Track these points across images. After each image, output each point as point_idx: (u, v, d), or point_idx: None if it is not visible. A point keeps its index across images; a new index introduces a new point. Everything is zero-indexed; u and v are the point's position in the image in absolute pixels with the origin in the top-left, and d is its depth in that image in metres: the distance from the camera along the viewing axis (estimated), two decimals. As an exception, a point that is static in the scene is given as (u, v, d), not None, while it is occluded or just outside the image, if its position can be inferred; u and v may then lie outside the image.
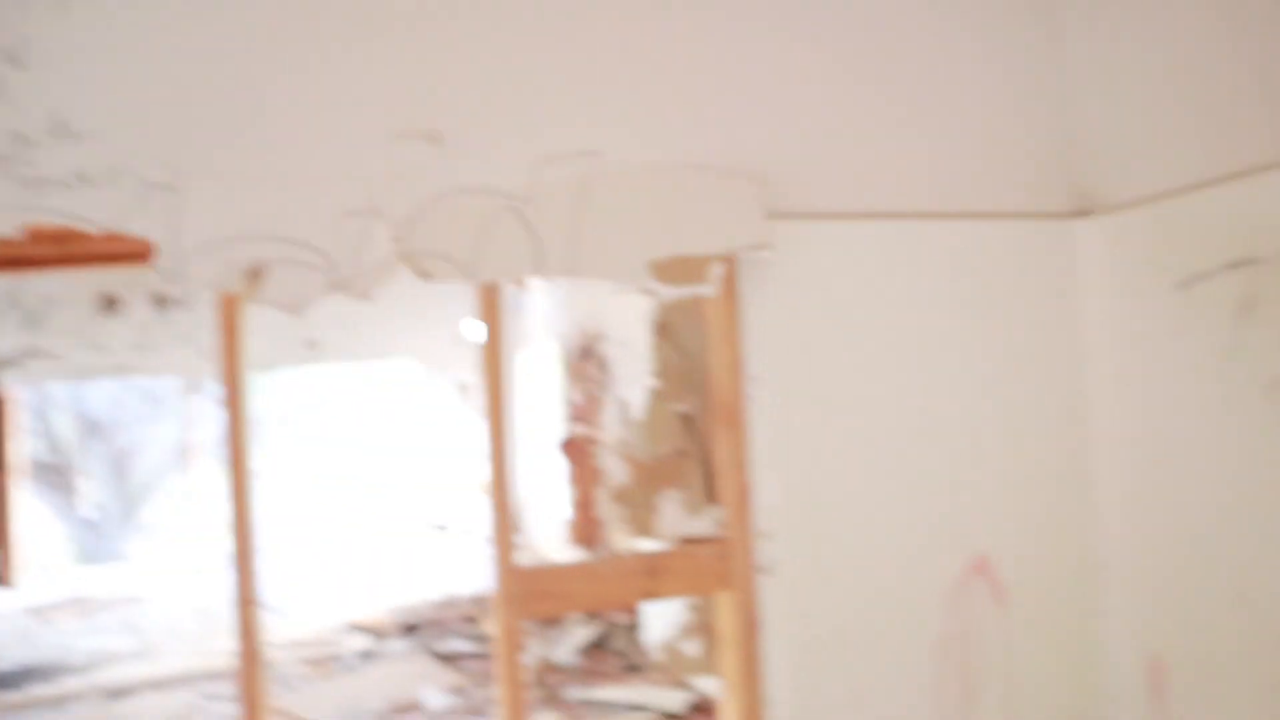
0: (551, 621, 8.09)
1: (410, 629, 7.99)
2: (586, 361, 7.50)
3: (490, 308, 2.22)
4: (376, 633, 8.02)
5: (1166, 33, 2.43)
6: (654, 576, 2.32)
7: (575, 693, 6.40)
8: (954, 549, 2.50)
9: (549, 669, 6.90)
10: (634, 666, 6.90)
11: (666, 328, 2.39)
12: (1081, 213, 2.68)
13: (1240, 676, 2.33)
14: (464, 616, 8.17)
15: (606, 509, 2.39)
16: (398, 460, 12.97)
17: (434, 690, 6.66)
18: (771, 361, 2.35)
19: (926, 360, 2.49)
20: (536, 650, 7.07)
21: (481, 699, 6.60)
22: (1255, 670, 2.28)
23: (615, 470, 2.37)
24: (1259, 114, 2.18)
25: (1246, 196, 2.22)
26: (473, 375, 11.84)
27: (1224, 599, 2.34)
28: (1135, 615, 2.61)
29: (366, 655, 7.48)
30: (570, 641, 7.44)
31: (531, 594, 2.23)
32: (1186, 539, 2.44)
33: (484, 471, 2.26)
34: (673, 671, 2.43)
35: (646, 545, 2.38)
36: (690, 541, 2.36)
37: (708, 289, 2.25)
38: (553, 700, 6.40)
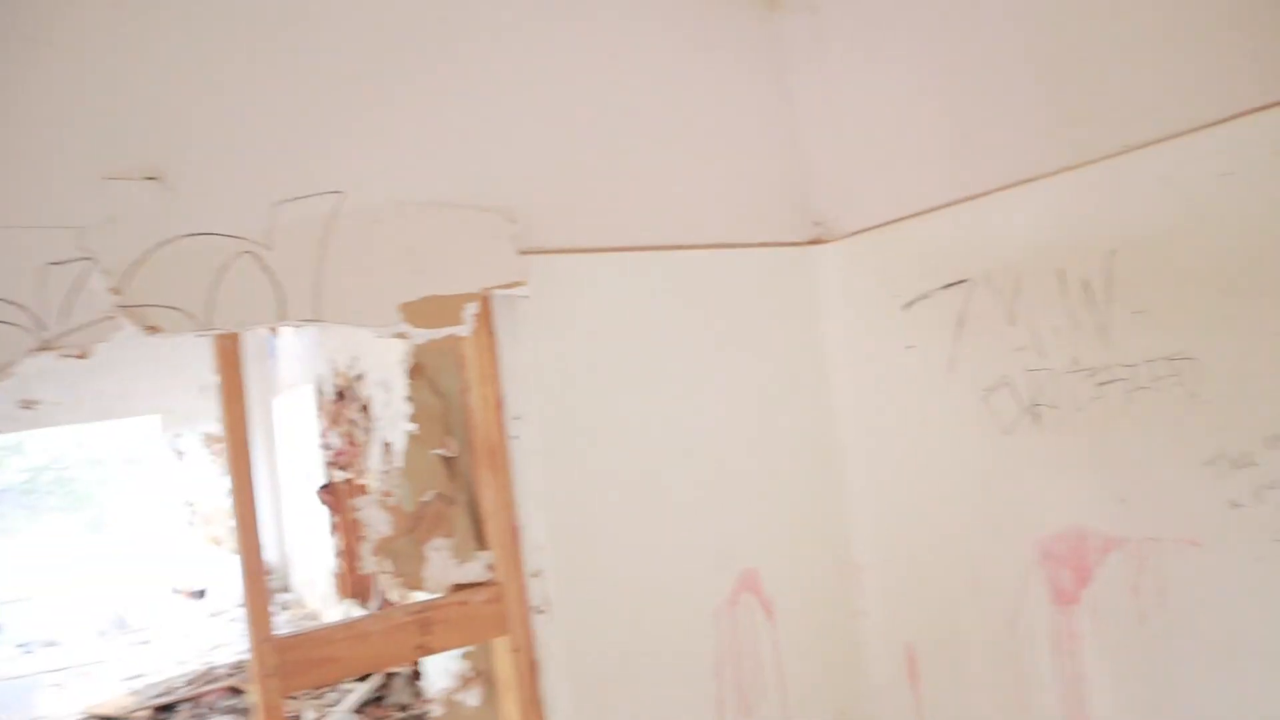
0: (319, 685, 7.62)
1: (164, 710, 7.26)
2: (344, 404, 7.17)
3: (228, 359, 2.05)
4: (123, 720, 7.22)
5: (880, 78, 2.66)
6: (427, 630, 2.22)
7: (357, 755, 6.05)
8: (723, 568, 2.58)
9: (326, 733, 6.49)
10: (418, 719, 6.62)
11: (422, 369, 2.31)
12: (817, 241, 2.88)
13: (976, 654, 2.55)
14: (227, 689, 7.53)
15: (371, 562, 2.26)
16: (143, 524, 11.79)
17: (197, 775, 6.07)
18: (533, 398, 2.33)
19: (685, 386, 2.57)
20: (309, 715, 6.64)
21: (252, 777, 6.09)
22: (989, 647, 2.51)
23: (377, 520, 2.25)
24: (961, 150, 2.43)
25: (956, 224, 2.46)
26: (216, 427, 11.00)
27: (963, 587, 2.57)
28: (890, 611, 2.81)
29: (114, 748, 6.70)
30: (346, 701, 7.04)
31: (295, 664, 2.07)
32: (928, 536, 2.66)
33: (230, 531, 2.09)
34: (452, 726, 2.32)
35: (417, 597, 2.27)
36: (462, 589, 2.27)
37: (463, 329, 2.20)
38: (332, 766, 6.02)
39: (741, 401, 2.67)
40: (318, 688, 7.53)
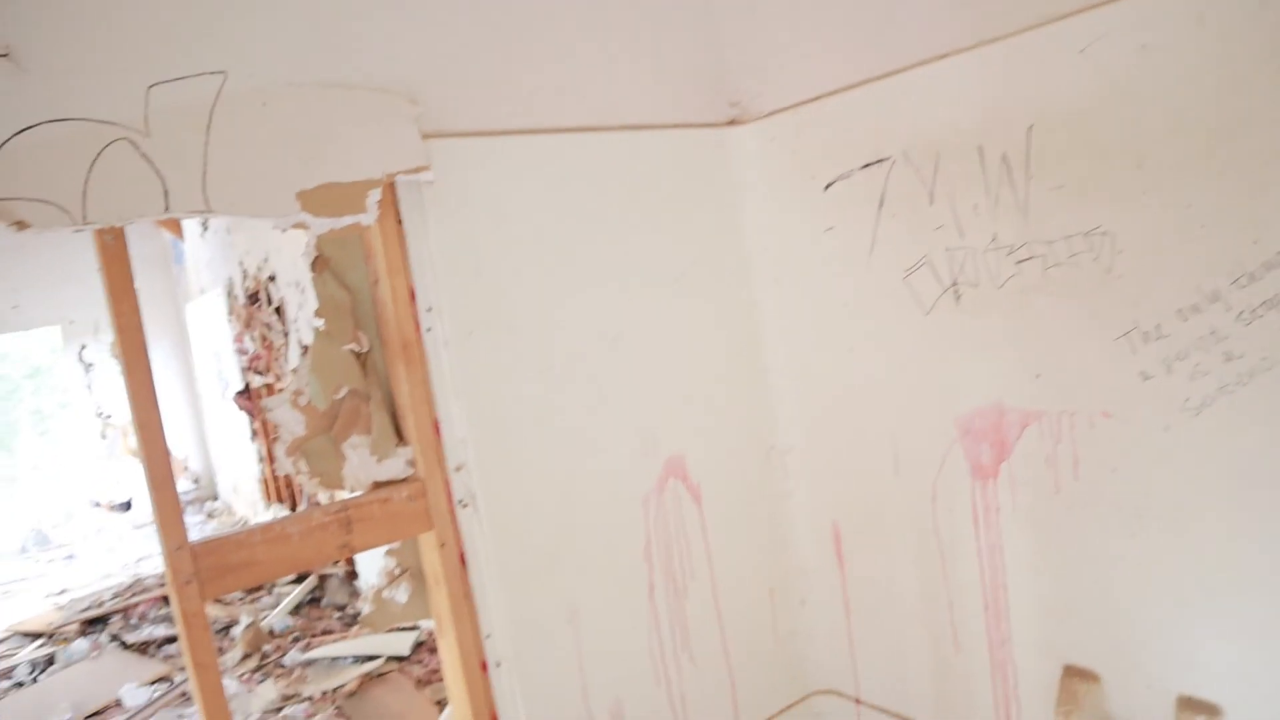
0: (255, 589, 7.60)
1: (92, 624, 7.17)
2: (257, 308, 6.93)
3: (111, 256, 1.91)
4: (50, 635, 7.12)
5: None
6: (348, 529, 2.17)
7: (297, 656, 6.09)
8: (649, 455, 2.57)
9: (264, 638, 6.50)
10: (356, 618, 6.67)
11: (327, 262, 2.19)
12: (734, 122, 2.79)
13: (898, 529, 2.62)
14: (158, 598, 7.45)
15: (286, 464, 2.18)
16: (57, 439, 11.42)
17: (132, 686, 6.04)
18: (445, 289, 2.23)
19: (603, 273, 2.50)
20: (245, 620, 6.62)
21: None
22: (911, 522, 2.58)
23: (289, 421, 2.16)
24: (878, 26, 2.35)
25: (874, 102, 2.40)
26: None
27: (885, 465, 2.61)
28: (815, 491, 2.86)
29: (43, 664, 6.62)
30: (283, 605, 7.04)
31: (212, 570, 2.01)
32: (850, 417, 2.68)
33: (131, 439, 1.99)
34: (378, 623, 2.30)
35: (339, 497, 2.21)
36: (383, 486, 2.22)
37: (366, 217, 2.08)
38: (275, 669, 6.05)
39: (661, 287, 2.61)
40: (248, 592, 7.51)
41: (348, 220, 2.07)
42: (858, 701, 2.90)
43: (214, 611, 6.99)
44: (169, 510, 1.99)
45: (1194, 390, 1.94)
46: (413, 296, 2.24)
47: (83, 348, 10.31)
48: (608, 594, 2.50)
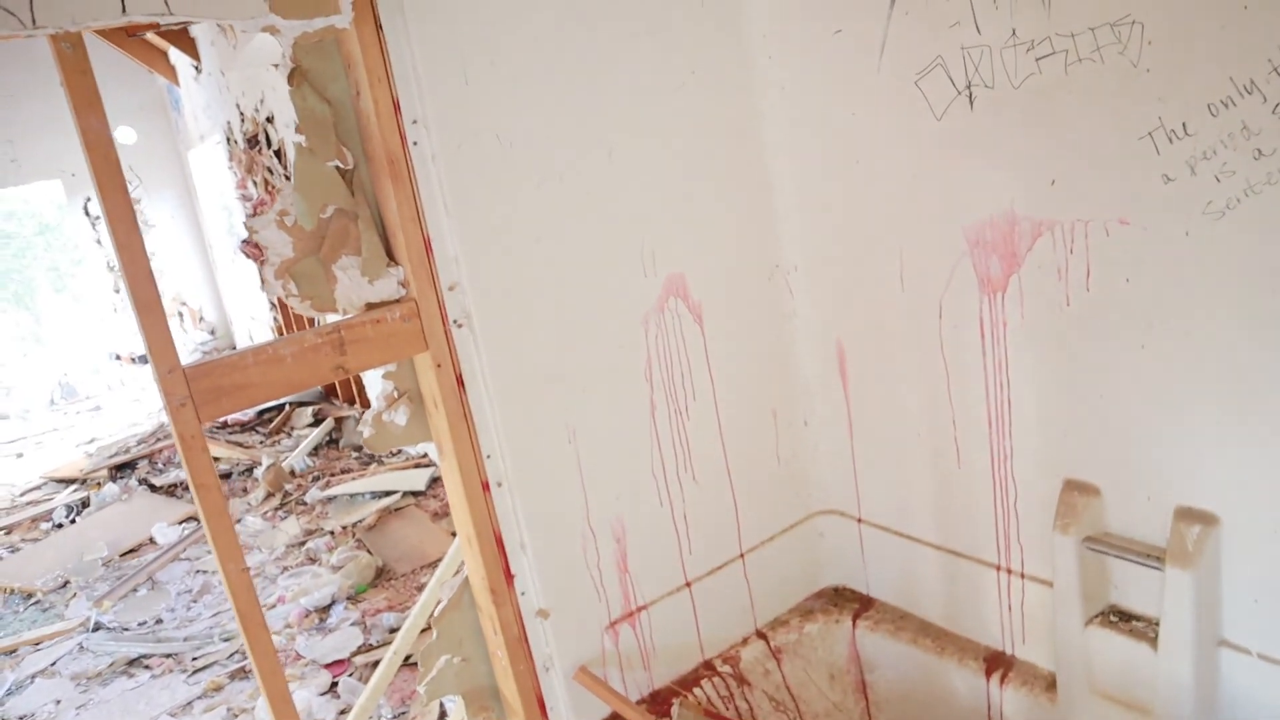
0: (276, 431, 7.77)
1: (121, 469, 7.39)
2: (257, 151, 6.77)
3: (73, 68, 1.80)
4: (81, 482, 7.35)
5: None
6: (342, 350, 2.15)
7: (317, 494, 6.27)
8: (648, 274, 2.50)
9: (285, 477, 6.68)
10: (373, 457, 6.83)
11: (305, 74, 2.08)
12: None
13: (903, 347, 2.57)
14: (181, 444, 7.63)
15: (276, 287, 2.14)
16: (73, 293, 11.48)
17: (163, 525, 6.27)
18: (431, 99, 2.12)
19: (600, 82, 2.36)
20: (266, 462, 6.80)
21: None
22: (916, 339, 2.53)
23: (276, 242, 2.10)
24: None
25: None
26: (135, 190, 10.46)
27: (891, 281, 2.53)
28: (819, 310, 2.80)
29: (78, 507, 6.86)
30: (302, 446, 7.20)
31: (206, 392, 2.00)
32: (857, 232, 2.59)
33: (121, 280, 1.94)
34: (378, 445, 2.31)
35: (331, 319, 2.17)
36: (375, 307, 2.18)
37: (340, 19, 1.95)
38: (296, 507, 6.25)
39: (661, 96, 2.47)
40: (268, 435, 7.68)
41: (321, 23, 1.94)
42: (859, 521, 2.93)
43: (236, 454, 7.18)
44: (157, 333, 1.96)
45: (1218, 193, 1.84)
46: (397, 108, 2.13)
47: (88, 200, 10.21)
48: (608, 414, 2.49)
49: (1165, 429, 2.06)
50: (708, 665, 2.80)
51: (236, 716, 3.90)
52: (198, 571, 5.48)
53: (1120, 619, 2.26)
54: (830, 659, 2.93)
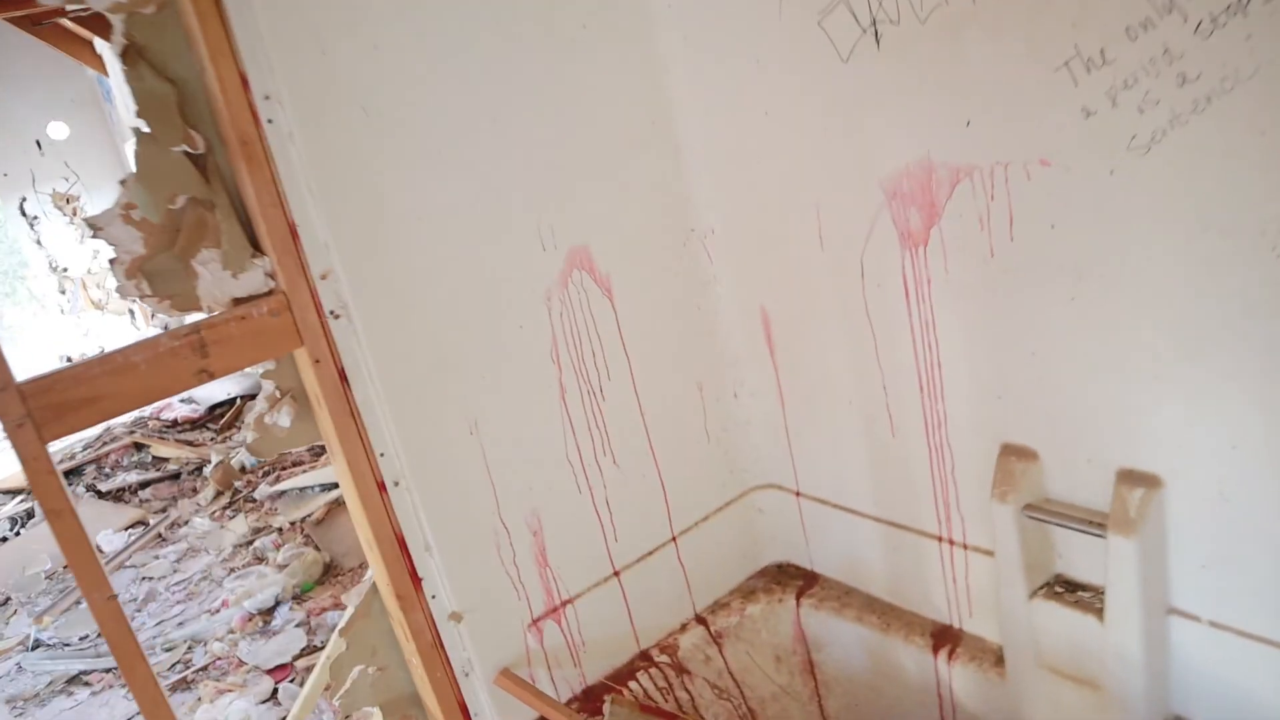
0: (228, 426, 7.56)
1: (67, 476, 7.16)
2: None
3: None
4: (27, 490, 7.12)
5: None
6: (204, 352, 1.96)
7: (266, 490, 6.09)
8: (546, 248, 2.31)
9: (235, 474, 6.49)
10: (324, 448, 6.63)
11: (141, 51, 1.87)
12: None
13: (828, 310, 2.41)
14: (130, 445, 7.42)
15: (128, 288, 1.94)
16: (14, 299, 11.13)
17: (109, 532, 6.08)
18: (284, 71, 1.91)
19: (481, 31, 2.14)
20: (215, 459, 6.60)
21: (168, 526, 6.12)
22: (839, 301, 2.36)
23: (124, 239, 1.90)
24: None
25: None
26: (64, 185, 10.13)
27: (811, 241, 2.36)
28: (741, 275, 2.62)
29: (23, 519, 6.65)
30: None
31: (49, 409, 1.81)
32: (771, 191, 2.41)
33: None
34: (263, 450, 2.13)
35: (192, 318, 1.98)
36: (243, 302, 1.99)
37: (161, -17, 1.75)
38: (246, 504, 6.06)
39: (550, 54, 2.26)
40: (219, 430, 7.47)
41: (142, -11, 1.73)
42: (798, 494, 2.78)
43: (185, 453, 6.97)
44: (-8, 347, 1.77)
45: (1142, 125, 1.67)
46: (245, 83, 1.92)
47: (23, 200, 9.87)
48: (513, 401, 2.31)
49: (1102, 387, 1.90)
50: (644, 656, 2.65)
51: (176, 731, 3.75)
52: (143, 579, 5.30)
53: (1066, 589, 2.13)
54: (775, 640, 2.79)
